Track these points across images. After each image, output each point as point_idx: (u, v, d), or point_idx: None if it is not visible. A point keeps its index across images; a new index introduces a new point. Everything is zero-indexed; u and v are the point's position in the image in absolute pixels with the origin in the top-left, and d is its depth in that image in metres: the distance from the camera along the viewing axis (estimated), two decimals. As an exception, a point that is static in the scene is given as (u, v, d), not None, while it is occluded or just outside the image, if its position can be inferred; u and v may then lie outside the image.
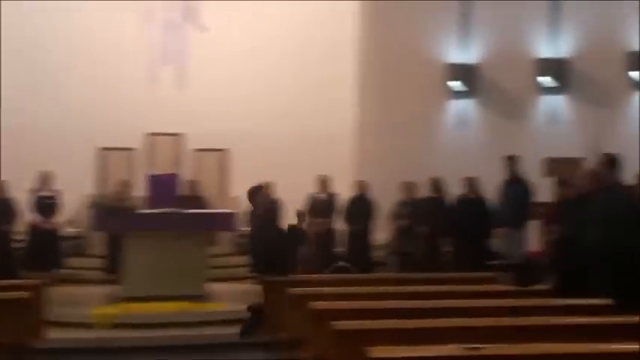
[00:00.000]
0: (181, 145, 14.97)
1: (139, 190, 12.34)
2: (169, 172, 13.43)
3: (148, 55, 14.70)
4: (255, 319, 8.25)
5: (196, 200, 12.32)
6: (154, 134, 14.83)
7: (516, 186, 10.60)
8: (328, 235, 12.44)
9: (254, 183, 10.04)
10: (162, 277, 10.09)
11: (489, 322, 5.61)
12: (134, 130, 14.29)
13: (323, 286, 7.57)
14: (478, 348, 4.58)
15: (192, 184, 13.14)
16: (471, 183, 11.07)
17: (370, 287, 7.64)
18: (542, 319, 5.73)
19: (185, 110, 14.50)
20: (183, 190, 12.79)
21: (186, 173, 14.15)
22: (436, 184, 11.59)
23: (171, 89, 14.70)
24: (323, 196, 12.57)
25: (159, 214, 10.44)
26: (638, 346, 4.70)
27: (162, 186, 11.51)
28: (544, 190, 10.55)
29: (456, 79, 12.90)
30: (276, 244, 8.58)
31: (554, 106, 12.17)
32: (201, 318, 9.34)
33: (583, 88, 11.89)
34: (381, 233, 12.56)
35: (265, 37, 14.72)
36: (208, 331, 9.03)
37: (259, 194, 9.41)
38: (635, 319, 5.65)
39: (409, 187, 11.99)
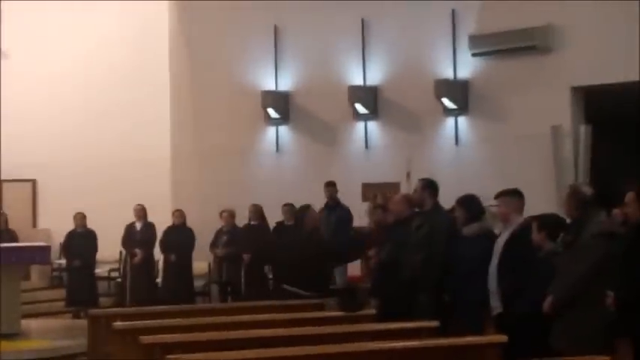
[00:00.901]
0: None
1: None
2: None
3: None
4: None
5: (5, 233, 11.66)
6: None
7: (335, 211, 10.79)
8: (147, 265, 12.15)
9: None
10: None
11: (322, 349, 5.63)
12: None
13: (149, 319, 7.32)
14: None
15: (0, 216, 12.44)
16: (289, 209, 11.17)
17: (196, 318, 7.46)
18: (370, 345, 5.81)
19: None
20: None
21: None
22: (257, 212, 11.60)
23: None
24: (140, 225, 12.28)
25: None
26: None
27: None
28: (362, 215, 10.83)
29: (271, 105, 12.98)
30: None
31: (369, 131, 12.50)
32: (20, 357, 8.80)
33: (395, 114, 12.31)
34: (202, 262, 12.40)
35: (74, 60, 14.20)
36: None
37: (308, 214, 8.89)
38: (460, 340, 5.87)
39: (228, 214, 11.93)
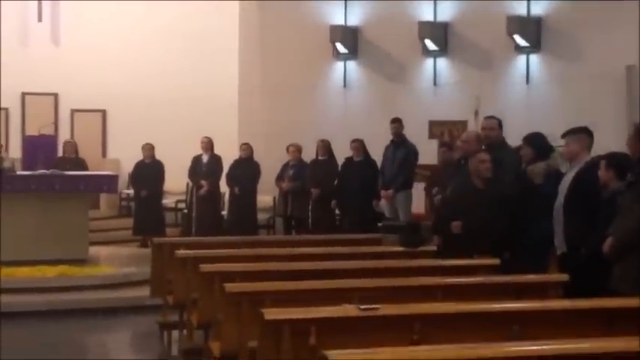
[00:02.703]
0: (57, 105, 14.39)
1: (15, 151, 11.81)
2: (46, 132, 12.90)
3: (21, 11, 14.02)
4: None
5: (75, 162, 11.92)
6: (28, 94, 14.19)
7: (401, 148, 10.72)
8: (213, 197, 12.30)
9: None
10: (42, 240, 9.74)
11: (379, 282, 5.65)
12: (7, 90, 13.58)
13: (211, 249, 7.44)
14: (375, 308, 4.58)
15: (70, 145, 12.69)
16: (358, 145, 11.12)
17: (258, 249, 7.55)
18: (431, 279, 5.80)
19: (61, 69, 13.93)
20: (60, 151, 12.37)
21: (63, 134, 13.65)
22: (323, 147, 11.59)
23: (46, 47, 14.08)
24: (207, 157, 12.40)
25: (37, 176, 10.04)
26: (522, 304, 4.84)
27: (39, 147, 11.07)
28: (428, 153, 10.74)
29: (340, 41, 12.85)
30: None
31: (438, 68, 12.33)
32: (84, 282, 9.07)
33: (465, 51, 12.09)
34: (267, 196, 12.50)
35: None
36: (93, 295, 8.80)
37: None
38: (520, 277, 5.82)
39: (295, 149, 11.96)
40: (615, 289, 5.58)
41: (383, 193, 10.66)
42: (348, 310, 4.66)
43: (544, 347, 3.73)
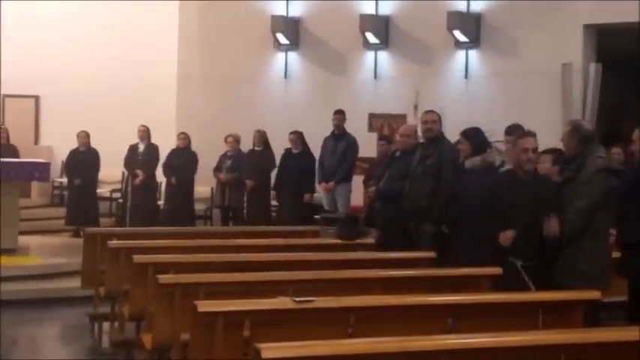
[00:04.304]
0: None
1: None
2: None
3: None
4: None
5: (5, 149, 11.60)
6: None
7: (342, 141, 10.71)
8: (149, 187, 12.12)
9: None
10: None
11: (316, 275, 5.61)
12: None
13: (145, 239, 7.31)
14: (310, 300, 4.53)
15: (1, 131, 12.35)
16: (296, 137, 11.07)
17: (194, 240, 7.45)
18: (368, 272, 5.78)
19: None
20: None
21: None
22: (261, 137, 11.51)
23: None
24: (142, 147, 12.21)
25: (-34, 163, 9.73)
26: (456, 297, 4.86)
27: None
28: (368, 146, 10.74)
29: (281, 31, 12.76)
30: None
31: (379, 62, 12.34)
32: (13, 272, 8.83)
33: (406, 45, 12.12)
34: (205, 186, 12.36)
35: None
36: (22, 286, 8.57)
37: None
38: (456, 271, 5.85)
39: (233, 139, 11.85)
40: (557, 281, 5.63)
41: (323, 185, 10.64)
42: (283, 302, 4.61)
43: (477, 340, 3.74)
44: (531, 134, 6.07)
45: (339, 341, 3.80)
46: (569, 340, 3.74)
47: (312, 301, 4.54)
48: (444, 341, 3.75)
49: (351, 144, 10.71)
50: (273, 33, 12.77)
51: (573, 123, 6.27)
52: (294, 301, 4.58)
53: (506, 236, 5.82)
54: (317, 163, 10.80)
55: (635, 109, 12.35)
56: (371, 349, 3.66)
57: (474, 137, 7.38)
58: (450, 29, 11.51)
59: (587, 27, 11.01)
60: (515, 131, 6.84)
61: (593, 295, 4.73)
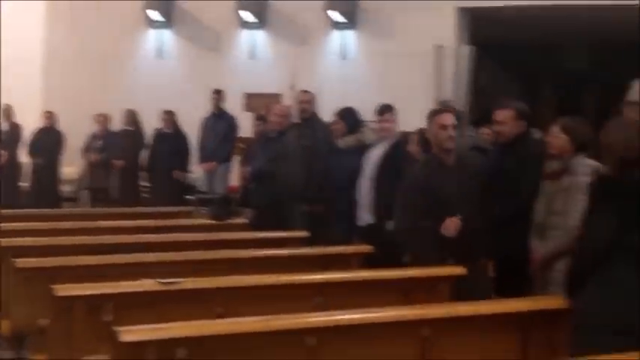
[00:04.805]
0: None
1: None
2: None
3: None
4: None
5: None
6: None
7: (222, 121, 10.54)
8: (11, 167, 11.57)
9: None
10: None
11: (185, 256, 5.45)
12: None
13: (5, 222, 6.93)
14: (174, 282, 4.37)
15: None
16: (169, 117, 10.82)
17: (59, 223, 7.12)
18: (238, 252, 5.67)
19: None
20: None
21: None
22: (132, 117, 11.18)
23: None
24: (5, 126, 11.65)
25: None
26: (325, 275, 4.80)
27: None
28: (244, 126, 10.61)
29: (154, 8, 12.39)
30: None
31: (255, 41, 12.17)
32: None
33: (283, 25, 12.00)
34: (73, 167, 11.91)
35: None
36: None
37: None
38: (327, 249, 5.82)
39: (103, 119, 11.46)
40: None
41: (204, 165, 10.44)
42: (147, 284, 4.44)
43: (342, 317, 3.70)
44: (449, 110, 5.48)
45: (202, 322, 3.66)
46: (431, 315, 3.75)
47: (177, 282, 4.39)
48: (309, 319, 3.68)
49: (231, 124, 10.57)
50: (146, 10, 12.38)
51: (442, 103, 6.32)
52: (160, 282, 4.42)
53: (451, 226, 4.91)
54: (195, 144, 10.60)
55: (508, 91, 12.68)
56: (235, 329, 3.55)
57: (349, 117, 7.44)
58: (327, 9, 11.47)
59: (461, 10, 11.19)
60: (386, 111, 6.84)
61: (459, 270, 4.75)
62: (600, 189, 3.63)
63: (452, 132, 5.05)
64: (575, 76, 14.74)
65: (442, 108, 5.63)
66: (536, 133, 5.71)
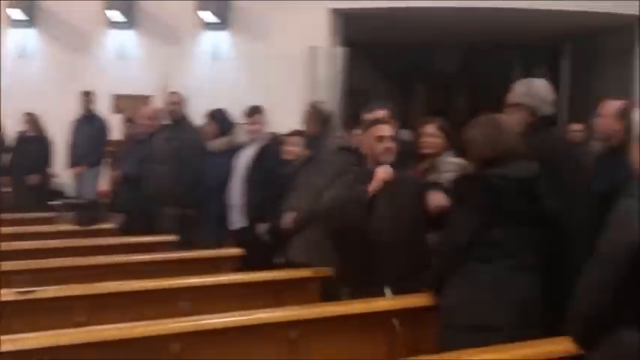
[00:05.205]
0: None
1: None
2: None
3: None
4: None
5: None
6: None
7: (92, 123, 10.22)
8: None
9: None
10: None
11: (50, 263, 5.23)
12: None
13: None
14: (31, 291, 4.17)
15: None
16: (31, 119, 10.41)
17: None
18: (106, 258, 5.49)
19: None
20: None
21: None
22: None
23: None
24: None
25: None
26: (194, 279, 4.70)
27: None
28: (113, 128, 10.34)
29: (16, 7, 11.89)
30: None
31: (123, 41, 11.87)
32: None
33: (153, 25, 11.76)
34: None
35: None
36: None
37: None
38: (198, 253, 5.71)
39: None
40: (294, 260, 5.63)
41: (76, 169, 10.09)
42: (5, 294, 4.22)
43: (209, 321, 3.61)
44: (386, 120, 4.79)
45: (59, 331, 3.50)
46: (298, 317, 3.71)
47: (36, 291, 4.20)
48: (173, 325, 3.57)
49: (101, 126, 10.26)
50: (6, 9, 11.87)
51: (313, 105, 6.34)
52: (18, 292, 4.22)
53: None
54: (63, 147, 10.23)
55: (380, 92, 12.86)
56: (95, 338, 3.41)
57: (220, 118, 7.38)
58: (198, 10, 11.31)
59: (334, 11, 11.25)
60: (255, 112, 6.81)
61: (328, 272, 4.74)
62: (461, 187, 3.68)
63: (389, 144, 4.55)
64: (446, 77, 15.13)
65: (379, 119, 4.80)
66: (405, 134, 5.77)
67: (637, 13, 10.33)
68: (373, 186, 4.35)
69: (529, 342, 3.33)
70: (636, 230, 2.62)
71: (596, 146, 4.83)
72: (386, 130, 4.58)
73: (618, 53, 11.45)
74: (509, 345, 3.30)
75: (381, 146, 4.53)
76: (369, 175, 4.46)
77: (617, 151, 4.21)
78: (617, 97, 4.79)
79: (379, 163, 4.50)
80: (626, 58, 11.14)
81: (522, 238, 3.60)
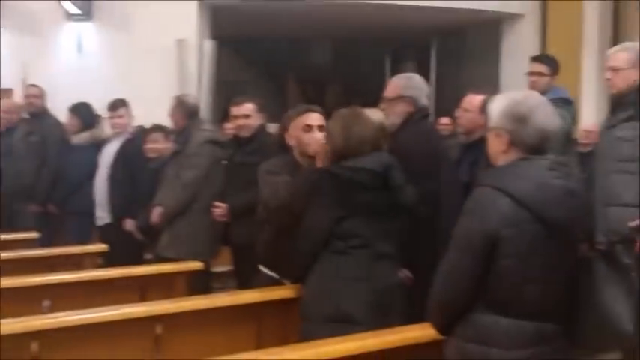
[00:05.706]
0: None
1: None
2: None
3: None
4: None
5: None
6: None
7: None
8: None
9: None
10: None
11: None
12: None
13: None
14: None
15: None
16: None
17: None
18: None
19: None
20: None
21: None
22: None
23: None
24: None
25: None
26: (54, 276, 4.57)
27: None
28: None
29: None
30: None
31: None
32: None
33: (14, 16, 11.30)
34: None
35: None
36: None
37: None
38: (58, 250, 5.56)
39: None
40: (162, 254, 5.56)
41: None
42: None
43: (69, 318, 3.51)
44: (314, 109, 4.35)
45: None
46: (163, 311, 3.65)
47: None
48: (31, 322, 3.45)
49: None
50: None
51: (178, 98, 6.29)
52: None
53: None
54: None
55: (249, 85, 12.84)
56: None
57: (83, 112, 7.22)
58: (61, 0, 10.96)
59: (203, 4, 11.13)
60: (119, 106, 6.70)
61: (196, 265, 4.70)
62: (317, 181, 3.70)
63: (318, 134, 4.16)
64: (320, 70, 15.23)
65: (307, 107, 4.35)
66: (272, 127, 5.78)
67: (502, 10, 10.71)
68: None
69: (388, 329, 3.39)
70: (489, 218, 2.71)
71: (462, 139, 4.96)
72: (315, 119, 4.24)
73: (484, 50, 11.84)
74: (369, 333, 3.34)
75: (308, 137, 4.19)
76: (295, 167, 4.19)
77: (480, 142, 4.34)
78: (479, 91, 4.91)
79: (306, 154, 4.17)
80: (492, 55, 11.52)
81: (378, 228, 3.65)
